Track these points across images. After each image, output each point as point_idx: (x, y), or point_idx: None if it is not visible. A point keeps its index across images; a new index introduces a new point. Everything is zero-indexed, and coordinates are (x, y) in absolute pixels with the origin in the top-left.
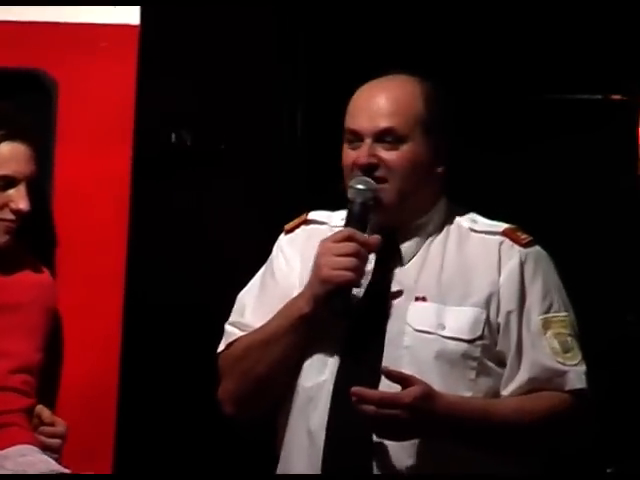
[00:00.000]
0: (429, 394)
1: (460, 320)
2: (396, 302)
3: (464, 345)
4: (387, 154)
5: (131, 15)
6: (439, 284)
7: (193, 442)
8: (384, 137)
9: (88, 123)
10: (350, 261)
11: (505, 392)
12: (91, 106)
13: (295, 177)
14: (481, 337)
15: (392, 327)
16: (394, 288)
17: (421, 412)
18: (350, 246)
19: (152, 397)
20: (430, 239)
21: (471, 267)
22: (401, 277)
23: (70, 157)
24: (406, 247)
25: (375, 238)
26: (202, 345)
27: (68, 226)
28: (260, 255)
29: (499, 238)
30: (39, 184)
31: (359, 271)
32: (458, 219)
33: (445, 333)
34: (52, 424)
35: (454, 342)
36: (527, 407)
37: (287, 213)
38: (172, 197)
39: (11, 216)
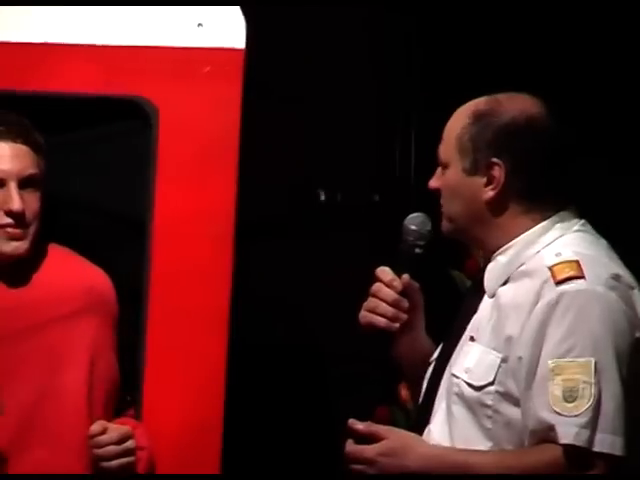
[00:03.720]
0: (397, 449)
1: (479, 364)
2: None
3: (475, 392)
4: (435, 181)
5: (236, 38)
6: (487, 324)
7: None
8: (440, 165)
9: (190, 151)
10: (369, 301)
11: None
12: (193, 134)
13: None
14: (492, 383)
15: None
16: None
17: (387, 466)
18: (375, 285)
19: (257, 437)
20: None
21: (513, 307)
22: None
23: (171, 186)
24: (486, 278)
25: (404, 279)
26: (306, 384)
27: (168, 261)
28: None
29: (546, 273)
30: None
31: (377, 312)
32: (545, 252)
33: (465, 377)
34: None
35: (468, 388)
36: (507, 462)
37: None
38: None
39: (7, 220)
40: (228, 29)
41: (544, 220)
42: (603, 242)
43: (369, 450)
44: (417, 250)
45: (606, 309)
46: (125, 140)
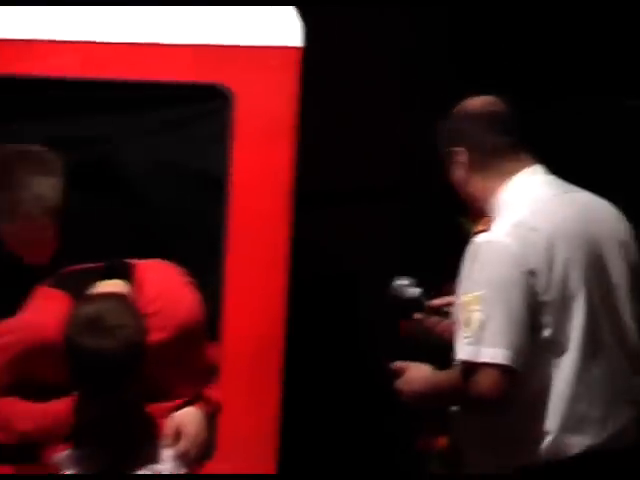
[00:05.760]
0: (410, 370)
1: None
2: None
3: None
4: None
5: (295, 38)
6: None
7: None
8: None
9: (258, 126)
10: None
11: None
12: (260, 113)
13: None
14: None
15: None
16: None
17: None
18: None
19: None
20: None
21: None
22: None
23: (243, 153)
24: None
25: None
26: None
27: (241, 214)
28: None
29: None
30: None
31: None
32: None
33: None
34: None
35: None
36: (441, 379)
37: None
38: None
39: None
40: (289, 30)
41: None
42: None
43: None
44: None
45: (494, 254)
46: (210, 117)
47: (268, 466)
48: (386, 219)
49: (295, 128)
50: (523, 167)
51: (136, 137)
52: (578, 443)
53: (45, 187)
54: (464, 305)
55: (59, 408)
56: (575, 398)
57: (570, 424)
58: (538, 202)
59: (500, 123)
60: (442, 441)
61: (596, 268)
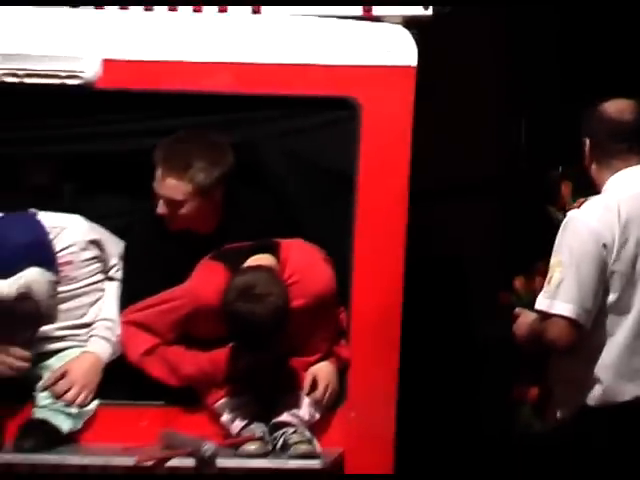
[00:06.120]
0: (521, 316)
1: None
2: None
3: None
4: None
5: (411, 58)
6: None
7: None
8: None
9: (380, 132)
10: None
11: None
12: (382, 122)
13: None
14: None
15: None
16: None
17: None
18: None
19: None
20: None
21: None
22: None
23: (370, 154)
24: None
25: None
26: None
27: (366, 204)
28: None
29: None
30: None
31: None
32: None
33: None
34: None
35: None
36: (536, 325)
37: None
38: None
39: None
40: (405, 51)
41: None
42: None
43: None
44: None
45: (577, 227)
46: (341, 124)
47: (389, 413)
48: (487, 210)
49: (411, 133)
50: (629, 166)
51: (281, 140)
52: (630, 391)
53: (218, 162)
54: (550, 266)
55: (218, 357)
56: (632, 353)
57: (625, 374)
58: (627, 192)
59: (623, 131)
60: (534, 392)
61: None
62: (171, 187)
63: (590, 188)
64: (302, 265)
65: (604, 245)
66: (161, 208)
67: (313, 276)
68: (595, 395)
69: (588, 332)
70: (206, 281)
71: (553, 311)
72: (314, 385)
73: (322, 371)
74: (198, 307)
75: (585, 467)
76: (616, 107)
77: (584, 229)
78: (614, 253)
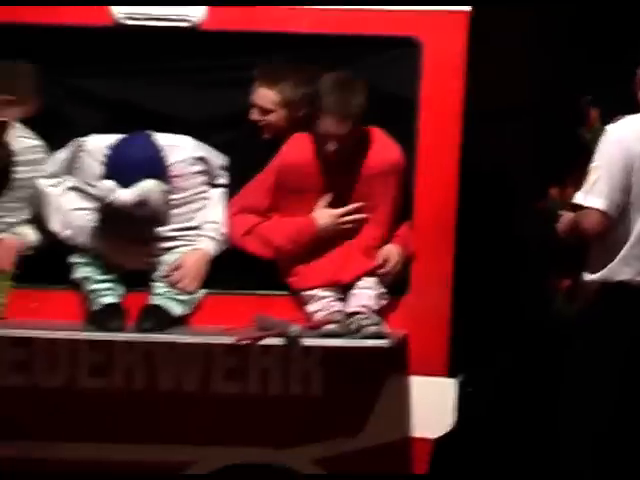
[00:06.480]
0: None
1: None
2: None
3: None
4: None
5: (465, 5)
6: None
7: None
8: None
9: (438, 67)
10: None
11: None
12: (442, 58)
13: None
14: None
15: None
16: None
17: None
18: None
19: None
20: None
21: None
22: None
23: (429, 87)
24: None
25: None
26: None
27: (427, 126)
28: None
29: None
30: None
31: None
32: None
33: None
34: None
35: None
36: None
37: None
38: None
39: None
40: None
41: None
42: None
43: None
44: None
45: (610, 138)
46: (406, 60)
47: (445, 300)
48: (528, 131)
49: (465, 67)
50: None
51: (357, 73)
52: (627, 272)
53: (305, 83)
54: (589, 169)
55: (303, 221)
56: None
57: (628, 258)
58: None
59: None
60: (567, 282)
61: None
62: (263, 96)
63: (613, 113)
64: (378, 133)
65: (632, 155)
66: (254, 114)
67: (388, 144)
68: (601, 273)
69: (615, 222)
70: (292, 145)
71: (587, 204)
72: (384, 262)
73: (390, 251)
74: (284, 167)
75: (601, 341)
76: None
77: (616, 140)
78: (638, 163)
